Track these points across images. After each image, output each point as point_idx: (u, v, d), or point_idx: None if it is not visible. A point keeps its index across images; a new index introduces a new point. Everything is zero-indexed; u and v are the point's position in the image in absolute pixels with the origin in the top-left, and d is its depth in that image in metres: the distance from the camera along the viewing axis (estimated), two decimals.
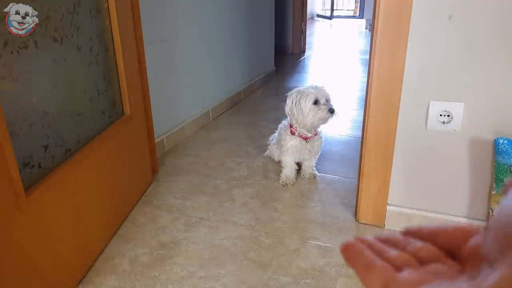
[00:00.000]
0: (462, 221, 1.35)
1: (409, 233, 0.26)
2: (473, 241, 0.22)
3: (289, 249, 1.36)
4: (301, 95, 1.61)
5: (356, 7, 8.22)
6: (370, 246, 0.24)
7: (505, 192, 0.21)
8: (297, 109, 1.62)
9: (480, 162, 1.28)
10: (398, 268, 0.22)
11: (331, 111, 1.59)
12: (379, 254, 0.23)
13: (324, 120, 1.63)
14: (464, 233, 0.23)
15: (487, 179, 1.28)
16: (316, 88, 1.62)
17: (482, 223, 1.33)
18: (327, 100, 1.62)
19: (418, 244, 0.24)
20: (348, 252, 0.24)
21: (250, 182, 1.80)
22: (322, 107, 1.59)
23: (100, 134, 1.36)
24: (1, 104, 0.89)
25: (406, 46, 1.22)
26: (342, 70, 4.13)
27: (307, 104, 1.60)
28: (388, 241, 0.25)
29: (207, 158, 2.04)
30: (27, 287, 1.03)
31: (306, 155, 1.76)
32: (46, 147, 1.11)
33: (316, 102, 1.60)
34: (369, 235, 0.25)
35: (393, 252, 0.23)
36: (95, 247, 1.34)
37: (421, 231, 0.25)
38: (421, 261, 0.23)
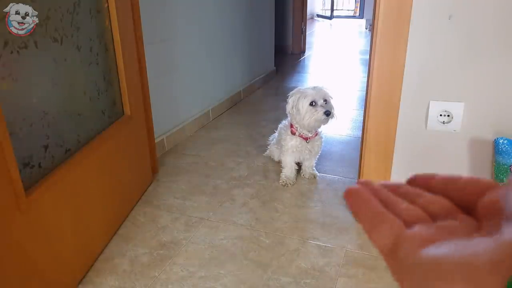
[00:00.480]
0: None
1: (418, 182, 0.23)
2: (490, 196, 0.20)
3: (289, 249, 1.36)
4: (300, 96, 1.61)
5: (356, 7, 8.22)
6: (376, 193, 0.22)
7: None
8: (296, 109, 1.62)
9: (480, 162, 1.28)
10: (408, 222, 0.20)
11: (327, 113, 1.58)
12: (387, 205, 0.21)
13: (321, 122, 1.62)
14: (479, 186, 0.21)
15: (487, 179, 1.28)
16: (315, 88, 1.62)
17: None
18: (326, 102, 1.61)
19: (429, 196, 0.22)
20: (353, 199, 0.21)
21: (250, 182, 1.80)
22: (319, 108, 1.59)
23: (100, 134, 1.36)
24: (1, 104, 0.89)
25: (406, 46, 1.22)
26: (342, 70, 4.13)
27: (304, 105, 1.60)
28: (396, 190, 0.23)
29: (207, 158, 2.04)
30: (27, 287, 1.03)
31: (306, 155, 1.76)
32: (46, 147, 1.11)
33: (313, 103, 1.60)
34: (375, 182, 0.22)
35: (402, 204, 0.21)
36: (95, 247, 1.34)
37: (431, 180, 0.23)
38: (433, 216, 0.20)
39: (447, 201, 0.21)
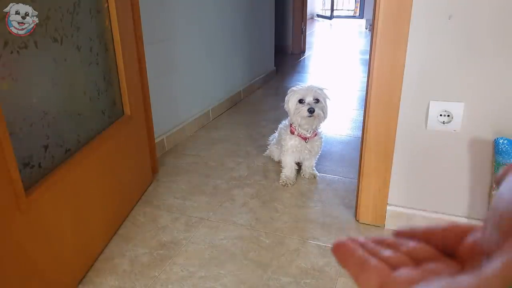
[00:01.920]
0: (462, 221, 1.35)
1: (401, 234, 0.25)
2: (470, 239, 0.21)
3: (289, 249, 1.36)
4: (291, 93, 1.63)
5: (356, 7, 8.22)
6: (362, 246, 0.23)
7: (499, 180, 0.20)
8: (287, 106, 1.65)
9: (480, 162, 1.28)
10: (394, 267, 0.21)
11: (310, 110, 1.58)
12: (372, 254, 0.22)
13: (305, 119, 1.62)
14: (459, 231, 0.22)
15: (487, 179, 1.28)
16: (308, 87, 1.62)
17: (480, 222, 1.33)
18: (317, 100, 1.61)
19: (412, 244, 0.23)
20: (340, 251, 0.23)
21: (250, 182, 1.80)
22: (305, 106, 1.59)
23: (100, 134, 1.36)
24: (1, 104, 0.89)
25: (406, 46, 1.22)
26: (342, 70, 4.13)
27: (292, 102, 1.62)
28: (381, 242, 0.24)
29: (207, 158, 2.04)
30: (27, 287, 1.03)
31: (306, 155, 1.76)
32: (46, 147, 1.11)
33: (301, 101, 1.61)
34: (361, 236, 0.24)
35: (386, 252, 0.22)
36: (95, 247, 1.34)
37: (413, 231, 0.24)
38: (417, 261, 0.22)
39: (429, 248, 0.23)
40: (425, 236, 0.23)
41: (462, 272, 0.20)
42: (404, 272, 0.20)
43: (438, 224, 0.23)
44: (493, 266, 0.17)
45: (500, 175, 0.20)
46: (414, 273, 0.20)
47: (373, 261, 0.21)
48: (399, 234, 0.25)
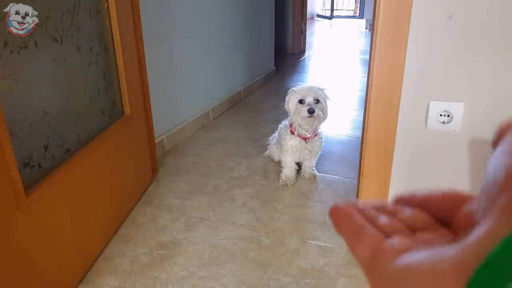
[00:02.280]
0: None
1: (400, 200, 0.24)
2: (466, 208, 0.21)
3: (289, 249, 1.36)
4: (291, 94, 1.63)
5: (356, 7, 8.22)
6: (360, 211, 0.23)
7: (496, 142, 0.20)
8: (287, 106, 1.65)
9: (480, 162, 1.28)
10: (388, 235, 0.21)
11: (310, 111, 1.58)
12: (369, 220, 0.22)
13: (305, 120, 1.62)
14: (457, 200, 0.22)
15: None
16: (308, 87, 1.62)
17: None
18: (317, 101, 1.62)
19: (409, 211, 0.23)
20: (337, 215, 0.22)
21: (250, 182, 1.80)
22: (305, 106, 1.60)
23: (100, 134, 1.36)
24: (1, 104, 0.89)
25: (406, 46, 1.22)
26: (342, 70, 4.13)
27: (292, 102, 1.62)
28: (379, 208, 0.24)
29: (207, 158, 2.04)
30: (27, 287, 1.03)
31: (306, 155, 1.76)
32: (46, 147, 1.11)
33: (301, 101, 1.61)
34: (360, 202, 0.24)
35: (383, 219, 0.22)
36: (95, 247, 1.34)
37: (413, 198, 0.24)
38: (413, 229, 0.21)
39: (426, 215, 0.22)
40: (424, 202, 0.23)
41: (454, 242, 0.20)
42: (396, 241, 0.20)
43: (438, 189, 0.23)
44: (474, 235, 0.16)
45: (497, 135, 0.20)
46: (405, 242, 0.19)
47: (368, 228, 0.21)
48: (399, 199, 0.25)
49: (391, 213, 0.23)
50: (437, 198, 0.23)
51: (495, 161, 0.18)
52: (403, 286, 0.17)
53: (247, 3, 2.99)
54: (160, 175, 1.86)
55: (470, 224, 0.19)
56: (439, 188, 0.23)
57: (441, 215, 0.22)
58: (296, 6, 4.53)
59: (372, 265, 0.20)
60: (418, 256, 0.18)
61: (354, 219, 0.22)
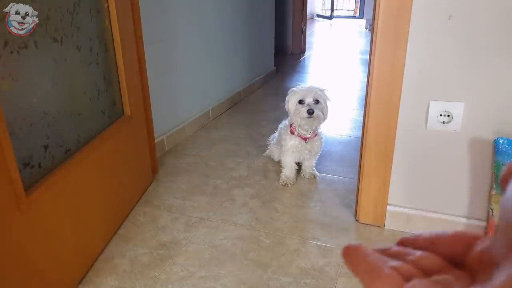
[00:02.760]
0: (462, 221, 1.35)
1: (405, 242, 0.24)
2: (478, 248, 0.21)
3: (289, 249, 1.36)
4: (291, 94, 1.63)
5: (356, 7, 8.22)
6: (371, 253, 0.23)
7: (505, 180, 0.20)
8: (287, 106, 1.65)
9: (480, 162, 1.28)
10: (404, 277, 0.20)
11: (309, 111, 1.58)
12: (383, 262, 0.22)
13: (305, 120, 1.62)
14: (466, 240, 0.22)
15: (487, 179, 1.28)
16: (308, 88, 1.62)
17: (482, 223, 1.33)
18: (317, 101, 1.62)
19: (418, 253, 0.22)
20: (351, 256, 0.22)
21: (250, 182, 1.80)
22: (304, 107, 1.60)
23: (100, 134, 1.36)
24: (1, 104, 0.89)
25: (406, 46, 1.22)
26: (342, 70, 4.13)
27: (292, 102, 1.63)
28: (385, 252, 0.23)
29: (207, 158, 2.04)
30: (27, 287, 1.03)
31: (306, 155, 1.76)
32: (46, 147, 1.11)
33: (301, 102, 1.61)
34: (367, 245, 0.24)
35: (394, 262, 0.22)
36: (95, 247, 1.34)
37: (418, 239, 0.23)
38: (425, 272, 0.21)
39: (436, 257, 0.22)
40: (431, 244, 0.23)
41: (473, 284, 0.19)
42: (418, 283, 0.19)
43: (443, 231, 0.23)
44: (499, 279, 0.16)
45: (505, 173, 0.20)
46: (427, 284, 0.19)
47: (387, 269, 0.21)
48: (403, 242, 0.24)
49: (399, 256, 0.23)
50: (445, 239, 0.23)
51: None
52: None
53: (247, 3, 2.99)
54: (160, 175, 1.86)
55: (487, 264, 0.19)
56: (445, 230, 0.23)
57: (451, 256, 0.22)
58: (296, 6, 4.53)
59: None
60: None
61: (370, 259, 0.22)
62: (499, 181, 0.20)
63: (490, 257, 0.19)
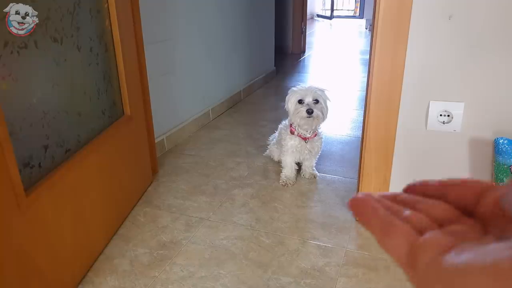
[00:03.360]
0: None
1: (413, 189, 0.23)
2: (490, 197, 0.20)
3: (289, 249, 1.36)
4: (291, 94, 1.64)
5: (356, 7, 8.22)
6: (379, 203, 0.21)
7: None
8: (287, 106, 1.65)
9: (480, 162, 1.28)
10: (417, 229, 0.19)
11: (309, 111, 1.58)
12: (391, 213, 0.21)
13: (304, 120, 1.62)
14: (477, 188, 0.21)
15: (487, 179, 1.28)
16: (308, 88, 1.62)
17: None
18: (316, 101, 1.62)
19: (428, 202, 0.21)
20: (360, 208, 0.21)
21: (250, 182, 1.80)
22: (304, 107, 1.60)
23: (100, 134, 1.36)
24: (1, 104, 0.89)
25: (406, 46, 1.22)
26: (342, 70, 4.13)
27: (292, 102, 1.63)
28: (395, 199, 0.22)
29: (207, 158, 2.04)
30: (26, 287, 1.03)
31: (306, 155, 1.76)
32: (46, 147, 1.11)
33: (301, 102, 1.61)
34: (374, 193, 0.23)
35: (405, 211, 0.21)
36: (95, 247, 1.34)
37: (427, 186, 0.23)
38: (437, 221, 0.20)
39: (447, 205, 0.21)
40: (440, 191, 0.22)
41: (485, 233, 0.19)
42: (434, 236, 0.19)
43: (454, 179, 0.22)
44: None
45: None
46: (444, 237, 0.19)
47: (399, 222, 0.20)
48: (411, 189, 0.23)
49: (409, 204, 0.22)
50: (456, 186, 0.22)
51: None
52: (460, 284, 0.17)
53: (247, 3, 2.99)
54: (160, 175, 1.86)
55: (499, 214, 0.19)
56: (454, 177, 0.22)
57: (461, 205, 0.21)
58: (296, 6, 4.53)
59: (412, 260, 0.19)
60: (468, 255, 0.17)
61: (380, 212, 0.21)
62: None
63: (503, 209, 0.19)
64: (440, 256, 0.18)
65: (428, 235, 0.19)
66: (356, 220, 0.23)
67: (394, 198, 0.22)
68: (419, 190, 0.23)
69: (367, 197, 0.22)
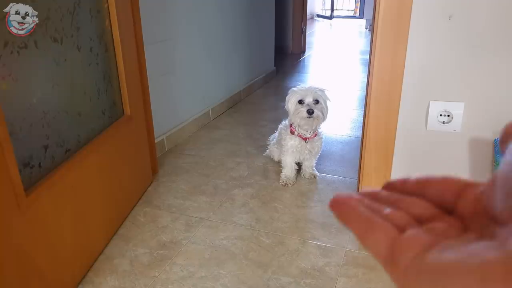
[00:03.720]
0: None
1: (392, 187, 0.23)
2: (472, 195, 0.20)
3: (289, 249, 1.36)
4: (291, 94, 1.64)
5: (356, 7, 8.22)
6: (359, 202, 0.21)
7: (504, 141, 0.19)
8: (287, 106, 1.65)
9: (480, 162, 1.28)
10: (397, 227, 0.19)
11: (309, 112, 1.58)
12: (372, 211, 0.20)
13: (304, 120, 1.62)
14: (457, 185, 0.21)
15: (487, 179, 1.28)
16: (308, 88, 1.62)
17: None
18: (316, 101, 1.62)
19: (408, 199, 0.21)
20: (340, 208, 0.21)
21: (250, 182, 1.80)
22: (304, 107, 1.60)
23: (100, 134, 1.36)
24: (1, 104, 0.89)
25: (406, 46, 1.22)
26: (342, 70, 4.13)
27: (292, 102, 1.63)
28: (375, 197, 0.22)
29: (207, 158, 2.04)
30: (26, 287, 1.03)
31: (306, 155, 1.76)
32: (46, 147, 1.11)
33: (301, 102, 1.61)
34: (355, 192, 0.22)
35: (386, 210, 0.20)
36: (95, 247, 1.34)
37: (406, 183, 0.22)
38: (417, 219, 0.20)
39: (427, 203, 0.21)
40: (420, 189, 0.22)
41: (466, 231, 0.19)
42: (416, 233, 0.19)
43: (433, 175, 0.22)
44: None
45: (504, 135, 0.19)
46: (425, 236, 0.18)
47: (379, 220, 0.20)
48: (390, 186, 0.23)
49: (388, 203, 0.22)
50: (436, 183, 0.22)
51: None
52: (446, 283, 0.16)
53: (247, 3, 2.99)
54: (160, 175, 1.86)
55: (480, 211, 0.19)
56: (433, 174, 0.22)
57: (441, 202, 0.21)
58: (296, 6, 4.53)
59: (393, 259, 0.19)
60: (452, 254, 0.17)
61: (360, 211, 0.20)
62: (499, 143, 0.20)
63: (485, 208, 0.19)
64: (422, 254, 0.18)
65: (409, 233, 0.19)
66: (338, 221, 0.22)
67: (374, 196, 0.22)
68: (398, 188, 0.23)
69: (347, 197, 0.21)
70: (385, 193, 0.23)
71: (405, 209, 0.21)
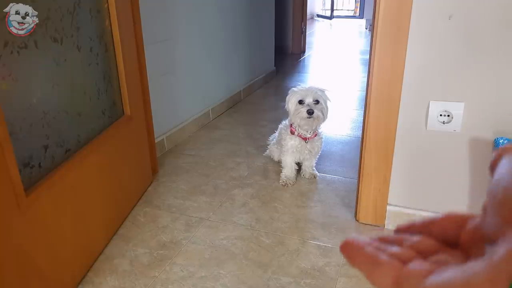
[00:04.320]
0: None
1: (401, 230, 0.25)
2: (471, 225, 0.22)
3: (289, 249, 1.36)
4: (291, 94, 1.64)
5: (356, 7, 8.22)
6: (367, 244, 0.23)
7: (494, 164, 0.21)
8: (287, 107, 1.65)
9: (480, 162, 1.28)
10: (403, 262, 0.21)
11: (309, 112, 1.58)
12: (380, 250, 0.23)
13: (304, 120, 1.62)
14: (457, 220, 0.23)
15: (487, 179, 1.28)
16: (308, 88, 1.62)
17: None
18: (317, 101, 1.62)
19: (414, 238, 0.23)
20: (349, 249, 0.23)
21: (250, 182, 1.80)
22: (304, 107, 1.60)
23: (100, 134, 1.36)
24: (1, 104, 0.89)
25: (406, 46, 1.22)
26: (342, 70, 4.13)
27: (292, 102, 1.63)
28: (384, 240, 0.24)
29: (207, 158, 2.04)
30: (26, 287, 1.03)
31: (306, 155, 1.76)
32: (46, 147, 1.11)
33: (301, 102, 1.61)
34: (365, 236, 0.25)
35: (393, 249, 0.23)
36: (95, 247, 1.34)
37: (413, 226, 0.25)
38: (423, 254, 0.22)
39: (431, 240, 0.23)
40: (425, 228, 0.24)
41: (467, 260, 0.20)
42: (417, 265, 0.20)
43: (436, 215, 0.24)
44: (497, 254, 0.17)
45: (494, 159, 0.21)
46: (426, 265, 0.20)
47: (384, 256, 0.22)
48: (399, 230, 0.25)
49: (395, 243, 0.24)
50: (438, 221, 0.24)
51: (502, 180, 0.19)
52: None
53: (247, 3, 2.99)
54: (160, 175, 1.86)
55: (479, 240, 0.20)
56: (436, 213, 0.24)
57: (444, 238, 0.23)
58: (296, 6, 4.53)
59: None
60: (448, 274, 0.18)
61: (366, 250, 0.22)
62: (489, 167, 0.21)
63: (481, 234, 0.20)
64: (422, 279, 0.19)
65: (412, 265, 0.21)
66: (348, 263, 0.23)
67: (383, 239, 0.24)
68: (406, 230, 0.25)
69: (356, 239, 0.24)
70: (393, 236, 0.25)
71: (411, 247, 0.23)
